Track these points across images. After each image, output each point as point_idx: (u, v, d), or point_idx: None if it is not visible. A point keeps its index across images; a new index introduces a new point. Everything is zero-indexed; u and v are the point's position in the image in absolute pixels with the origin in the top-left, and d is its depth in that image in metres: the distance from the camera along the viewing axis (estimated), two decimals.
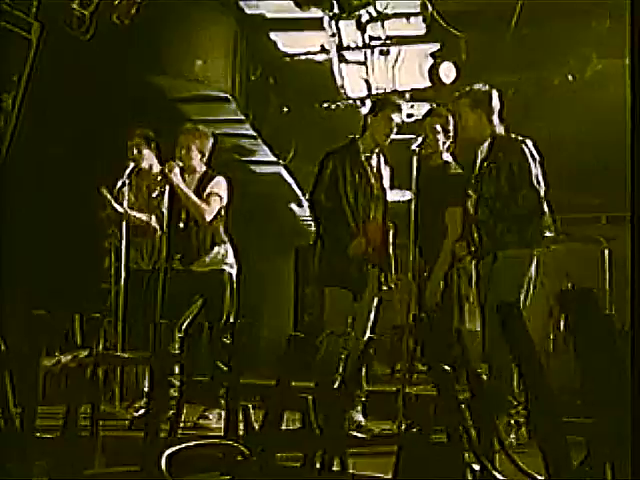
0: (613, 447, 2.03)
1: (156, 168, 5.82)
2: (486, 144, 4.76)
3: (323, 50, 7.69)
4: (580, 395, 2.34)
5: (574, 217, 7.51)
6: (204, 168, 5.54)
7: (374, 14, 7.09)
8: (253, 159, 8.88)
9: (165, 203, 5.40)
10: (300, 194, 9.61)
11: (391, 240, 5.23)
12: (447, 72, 7.16)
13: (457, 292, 5.07)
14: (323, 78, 7.93)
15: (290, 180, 9.33)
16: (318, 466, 3.04)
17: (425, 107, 6.81)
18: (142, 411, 5.04)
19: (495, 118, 4.78)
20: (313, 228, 5.46)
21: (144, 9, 6.02)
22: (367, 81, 7.85)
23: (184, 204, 5.37)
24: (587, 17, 6.67)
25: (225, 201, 5.49)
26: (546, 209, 4.57)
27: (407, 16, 7.18)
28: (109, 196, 5.71)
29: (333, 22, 7.18)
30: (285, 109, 8.61)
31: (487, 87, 4.84)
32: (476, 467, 2.54)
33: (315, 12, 6.83)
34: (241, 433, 3.41)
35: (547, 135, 5.60)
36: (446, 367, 2.63)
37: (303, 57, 7.90)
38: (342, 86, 7.97)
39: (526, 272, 4.54)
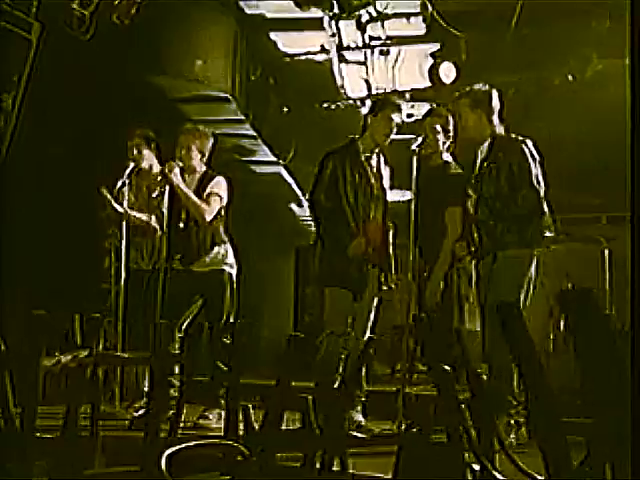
0: (613, 447, 2.03)
1: (156, 168, 5.83)
2: (486, 144, 4.76)
3: (323, 50, 7.69)
4: (580, 395, 2.34)
5: (574, 217, 7.51)
6: (204, 168, 5.54)
7: (374, 14, 7.09)
8: (253, 159, 8.87)
9: (165, 203, 5.40)
10: (300, 194, 9.61)
11: (391, 240, 5.23)
12: (447, 72, 7.16)
13: (457, 292, 5.07)
14: (323, 78, 7.93)
15: (290, 180, 9.33)
16: (318, 466, 3.04)
17: (425, 107, 6.81)
18: (142, 411, 5.04)
19: (495, 118, 4.78)
20: (313, 228, 5.45)
21: (144, 9, 6.02)
22: (367, 81, 7.85)
23: (184, 204, 5.37)
24: (587, 17, 6.67)
25: (225, 201, 5.49)
26: (546, 209, 4.57)
27: (407, 16, 7.18)
28: (109, 196, 5.72)
29: (333, 22, 7.18)
30: (285, 109, 8.61)
31: (487, 87, 4.84)
32: (476, 467, 2.54)
33: (315, 12, 6.83)
34: (241, 433, 3.41)
35: (547, 135, 5.59)
36: (446, 367, 2.63)
37: (303, 57, 7.90)
38: (342, 86, 7.97)
39: (526, 272, 4.54)
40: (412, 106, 7.43)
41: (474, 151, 4.83)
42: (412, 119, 6.86)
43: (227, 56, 7.38)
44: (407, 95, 7.56)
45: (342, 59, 7.74)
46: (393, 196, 5.30)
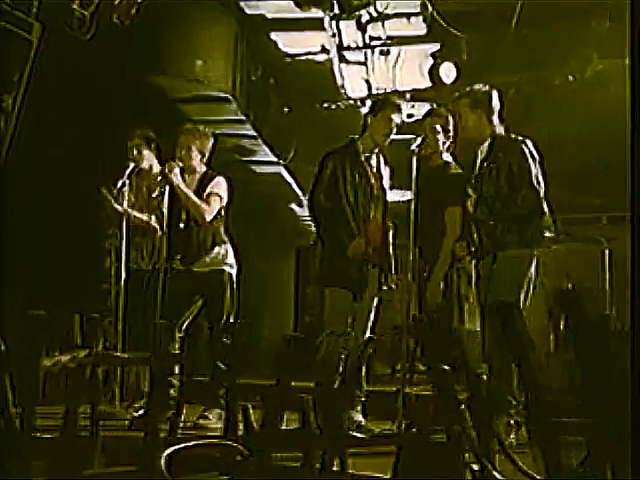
0: (613, 447, 2.03)
1: (156, 168, 5.82)
2: (486, 144, 4.76)
3: (323, 50, 7.70)
4: (580, 395, 2.34)
5: (574, 217, 7.52)
6: (204, 168, 5.53)
7: (374, 14, 7.09)
8: (254, 159, 8.88)
9: (165, 203, 5.40)
10: (300, 194, 9.61)
11: (391, 240, 5.23)
12: (447, 72, 7.17)
13: (457, 292, 5.06)
14: (324, 78, 7.93)
15: (290, 180, 9.34)
16: (318, 466, 3.04)
17: (425, 107, 6.80)
18: (142, 411, 5.04)
19: (495, 118, 4.78)
20: (313, 228, 5.45)
21: (144, 9, 6.01)
22: (367, 81, 7.85)
23: (184, 204, 5.37)
24: (587, 17, 6.67)
25: (225, 201, 5.49)
26: (546, 209, 4.57)
27: (407, 16, 7.18)
28: (109, 196, 5.71)
29: (333, 22, 7.18)
30: (286, 109, 8.61)
31: (487, 87, 4.84)
32: (476, 467, 2.54)
33: (315, 12, 6.84)
34: (241, 433, 3.41)
35: (547, 135, 5.59)
36: (446, 367, 2.63)
37: (304, 57, 7.90)
38: (342, 86, 7.98)
39: (526, 272, 4.54)
40: (412, 106, 7.44)
41: (474, 151, 4.83)
42: (412, 119, 6.85)
43: (227, 56, 7.39)
44: (407, 95, 7.56)
45: (342, 59, 7.75)
46: (393, 196, 5.29)
